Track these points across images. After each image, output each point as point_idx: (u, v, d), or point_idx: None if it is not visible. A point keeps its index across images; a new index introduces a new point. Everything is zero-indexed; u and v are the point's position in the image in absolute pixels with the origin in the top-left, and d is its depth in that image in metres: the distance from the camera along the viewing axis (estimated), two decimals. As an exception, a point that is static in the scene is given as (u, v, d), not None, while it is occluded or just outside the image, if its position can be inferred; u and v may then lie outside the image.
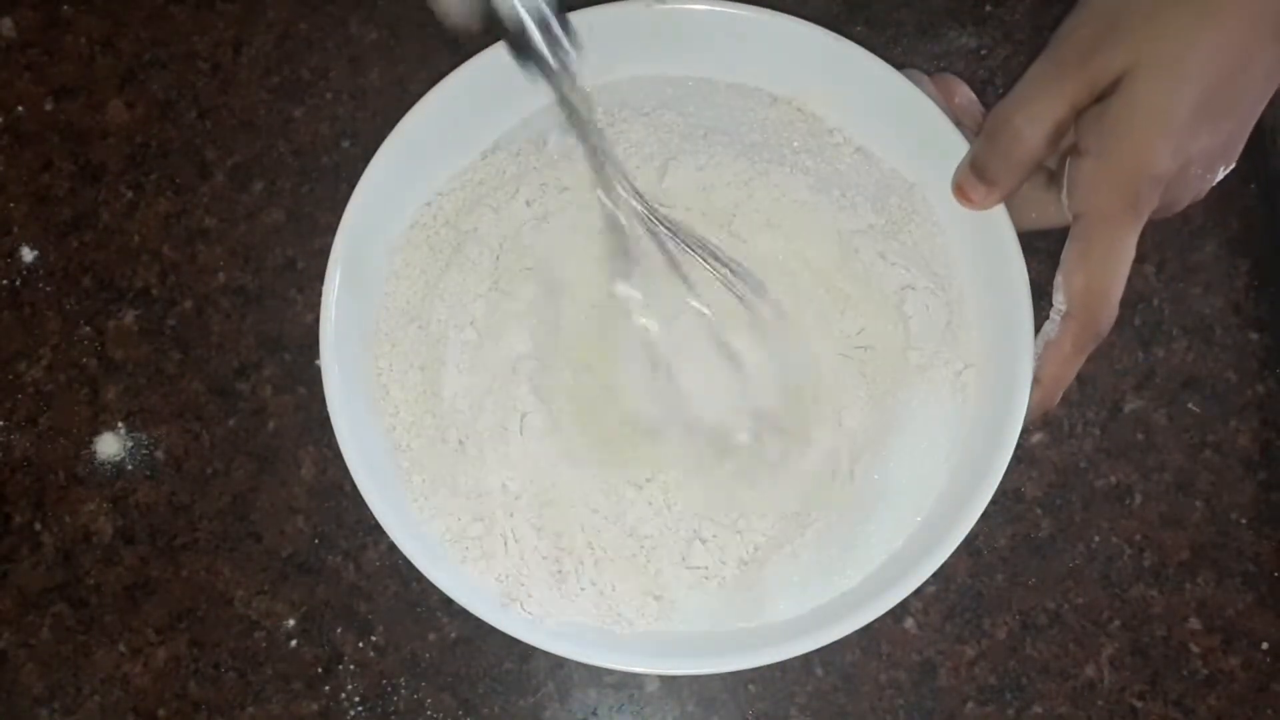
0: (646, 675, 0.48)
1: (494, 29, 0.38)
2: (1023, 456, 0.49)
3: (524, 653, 0.48)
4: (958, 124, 0.44)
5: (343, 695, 0.48)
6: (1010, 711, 0.47)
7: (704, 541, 0.43)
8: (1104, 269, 0.39)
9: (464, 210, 0.46)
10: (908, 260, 0.44)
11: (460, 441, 0.43)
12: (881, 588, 0.41)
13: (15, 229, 0.52)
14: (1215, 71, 0.37)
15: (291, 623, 0.48)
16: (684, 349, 0.43)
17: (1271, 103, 0.39)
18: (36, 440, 0.50)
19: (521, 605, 0.42)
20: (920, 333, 0.43)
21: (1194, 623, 0.48)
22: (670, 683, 0.48)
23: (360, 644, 0.48)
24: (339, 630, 0.48)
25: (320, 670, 0.48)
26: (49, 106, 0.54)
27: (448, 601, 0.41)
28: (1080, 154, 0.39)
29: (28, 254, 0.52)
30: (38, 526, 0.49)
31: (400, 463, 0.44)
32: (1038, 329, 0.42)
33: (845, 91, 0.46)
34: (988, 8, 0.54)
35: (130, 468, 0.50)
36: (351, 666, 0.48)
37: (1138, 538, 0.49)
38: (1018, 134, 0.39)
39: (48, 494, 0.50)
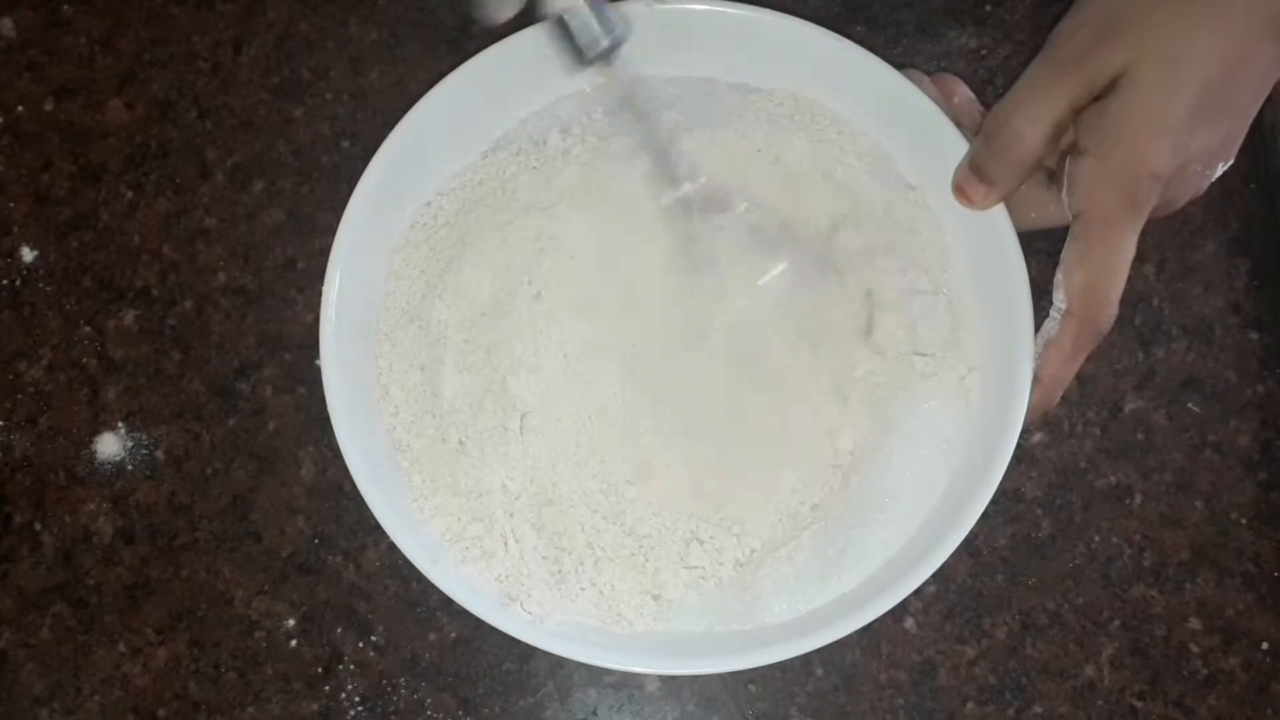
0: (646, 675, 0.47)
1: (537, 17, 0.38)
2: (1023, 456, 0.49)
3: (524, 653, 0.48)
4: (957, 124, 0.44)
5: (343, 695, 0.48)
6: (1010, 711, 0.47)
7: (702, 542, 0.43)
8: (1104, 268, 0.39)
9: (464, 210, 0.46)
10: (911, 263, 0.44)
11: (460, 441, 0.43)
12: (881, 588, 0.41)
13: (15, 229, 0.52)
14: (1213, 70, 0.37)
15: (291, 623, 0.48)
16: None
17: (1272, 101, 0.40)
18: (36, 440, 0.50)
19: (521, 605, 0.42)
20: (926, 338, 0.43)
21: (1194, 623, 0.48)
22: (670, 683, 0.48)
23: (360, 644, 0.48)
24: (339, 630, 0.48)
25: (320, 670, 0.48)
26: (49, 106, 0.54)
27: (448, 601, 0.41)
28: (1079, 153, 0.39)
29: (28, 254, 0.52)
30: (38, 526, 0.49)
31: (400, 463, 0.44)
32: (1037, 328, 0.42)
33: (845, 91, 0.46)
34: (988, 8, 0.54)
35: (130, 468, 0.50)
36: (351, 666, 0.48)
37: (1138, 538, 0.49)
38: (1016, 134, 0.39)
39: (48, 494, 0.50)
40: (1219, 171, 0.40)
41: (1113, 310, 0.40)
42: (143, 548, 0.49)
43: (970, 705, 0.47)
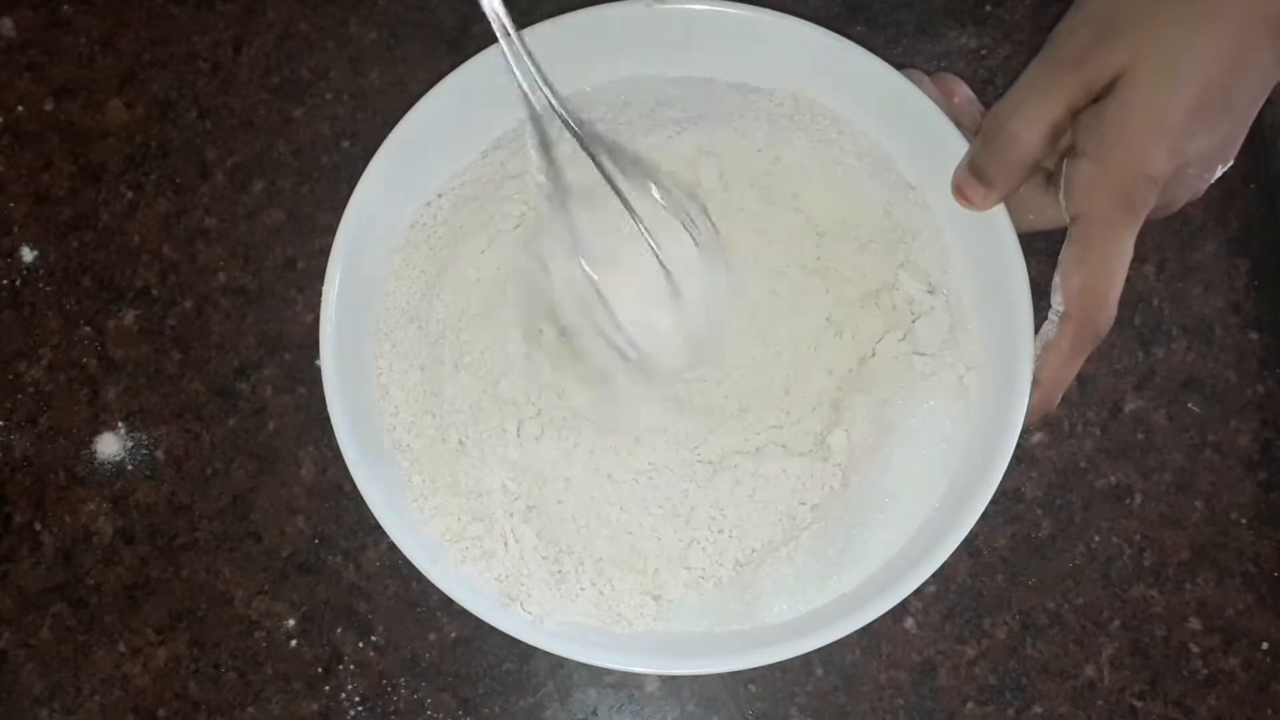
0: (646, 675, 0.48)
1: (469, 37, 0.38)
2: (1023, 456, 0.49)
3: (524, 653, 0.48)
4: (957, 124, 0.44)
5: (343, 695, 0.48)
6: (1010, 711, 0.47)
7: (702, 542, 0.43)
8: (1102, 270, 0.39)
9: (464, 210, 0.46)
10: (911, 264, 0.44)
11: (460, 441, 0.43)
12: (881, 588, 0.41)
13: (15, 229, 0.52)
14: (1211, 72, 0.37)
15: (291, 623, 0.48)
16: (619, 276, 0.42)
17: (1272, 102, 0.39)
18: (36, 440, 0.50)
19: (521, 605, 0.42)
20: (925, 338, 0.43)
21: (1194, 623, 0.48)
22: (670, 683, 0.48)
23: (360, 644, 0.48)
24: (339, 630, 0.48)
25: (320, 670, 0.48)
26: (49, 106, 0.54)
27: (448, 601, 0.41)
28: (1077, 155, 0.39)
29: (28, 254, 0.52)
30: (38, 526, 0.49)
31: (400, 463, 0.44)
32: (1037, 329, 0.42)
33: (845, 91, 0.46)
34: (988, 8, 0.54)
35: (130, 468, 0.50)
36: (351, 666, 0.48)
37: (1138, 538, 0.49)
38: (1015, 136, 0.39)
39: (48, 494, 0.50)
40: (1217, 173, 0.40)
41: (1111, 312, 0.40)
42: (143, 548, 0.49)
43: (970, 705, 0.47)
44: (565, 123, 0.40)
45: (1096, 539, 0.49)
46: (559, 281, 0.42)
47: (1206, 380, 0.50)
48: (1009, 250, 0.42)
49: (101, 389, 0.51)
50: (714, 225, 0.43)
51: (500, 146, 0.47)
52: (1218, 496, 0.49)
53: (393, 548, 0.42)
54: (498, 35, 0.39)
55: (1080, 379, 0.50)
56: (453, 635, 0.48)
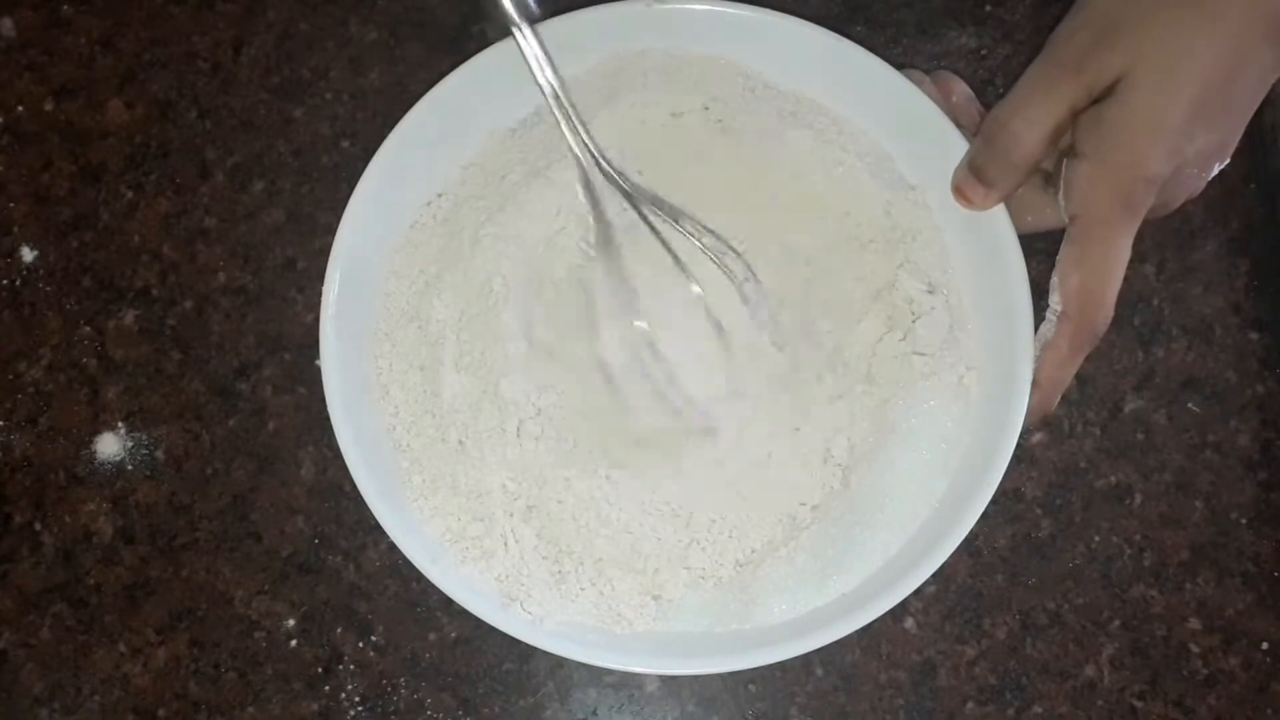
0: (646, 675, 0.48)
1: (470, 37, 0.39)
2: (1023, 456, 0.49)
3: (524, 653, 0.48)
4: (957, 124, 0.44)
5: (343, 695, 0.48)
6: (1010, 711, 0.47)
7: (702, 542, 0.43)
8: (1100, 270, 0.39)
9: (464, 210, 0.46)
10: (911, 264, 0.44)
11: (460, 441, 0.43)
12: (881, 588, 0.41)
13: (15, 229, 0.52)
14: (1211, 75, 0.37)
15: (291, 623, 0.48)
16: (673, 332, 0.44)
17: (1271, 102, 0.40)
18: (36, 440, 0.50)
19: (521, 605, 0.42)
20: (925, 338, 0.43)
21: (1194, 623, 0.48)
22: (670, 683, 0.48)
23: (360, 644, 0.48)
24: (339, 630, 0.48)
25: (320, 670, 0.48)
26: (49, 106, 0.54)
27: (448, 601, 0.41)
28: (1077, 156, 0.39)
29: (28, 254, 0.52)
30: (38, 526, 0.49)
31: (400, 463, 0.44)
32: (1036, 329, 0.42)
33: (845, 91, 0.46)
34: (988, 8, 0.54)
35: (130, 468, 0.50)
36: (351, 666, 0.48)
37: (1138, 538, 0.49)
38: (1015, 136, 0.39)
39: (48, 494, 0.50)
40: (1214, 171, 0.41)
41: (1108, 312, 0.40)
42: (143, 548, 0.49)
43: (970, 705, 0.47)
44: (612, 180, 0.42)
45: (1096, 539, 0.49)
46: (608, 336, 0.44)
47: (1206, 380, 0.50)
48: (1009, 250, 0.42)
49: (101, 389, 0.51)
50: (755, 275, 0.44)
51: (500, 146, 0.47)
52: (1218, 496, 0.49)
53: (393, 548, 0.42)
54: (551, 105, 0.42)
55: (1080, 379, 0.50)
56: (453, 635, 0.48)
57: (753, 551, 0.43)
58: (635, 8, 0.45)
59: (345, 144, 0.53)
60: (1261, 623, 0.48)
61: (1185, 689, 0.48)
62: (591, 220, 0.43)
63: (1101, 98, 0.38)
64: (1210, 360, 0.50)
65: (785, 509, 0.43)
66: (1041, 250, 0.45)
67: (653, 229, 0.43)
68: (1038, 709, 0.47)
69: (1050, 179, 0.42)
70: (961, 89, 0.46)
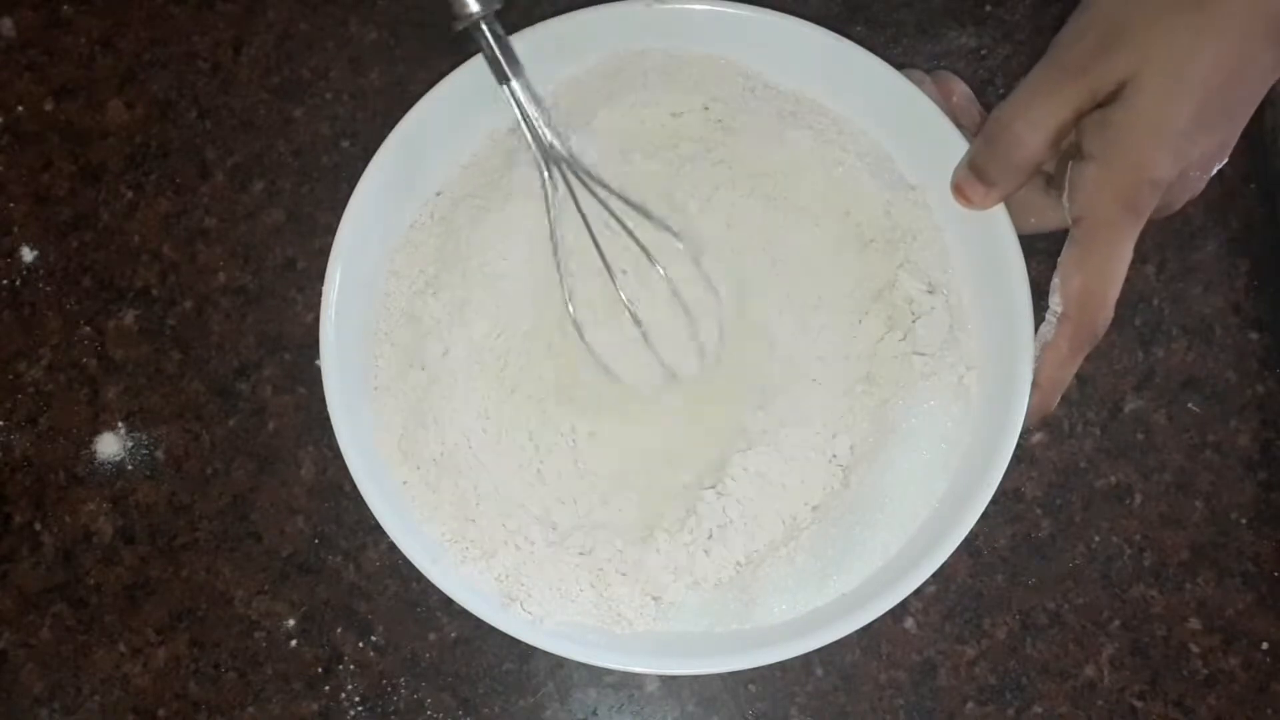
0: (646, 675, 0.47)
1: (471, 40, 0.40)
2: (1023, 456, 0.49)
3: (524, 653, 0.48)
4: (957, 124, 0.44)
5: (343, 695, 0.48)
6: (1010, 711, 0.47)
7: (702, 542, 0.43)
8: (1102, 272, 0.39)
9: (463, 209, 0.46)
10: (911, 263, 0.44)
11: (460, 441, 0.43)
12: (881, 588, 0.41)
13: (15, 229, 0.52)
14: (1215, 79, 0.37)
15: (291, 623, 0.48)
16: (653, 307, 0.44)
17: (1272, 102, 0.40)
18: (36, 440, 0.50)
19: (521, 605, 0.42)
20: (925, 338, 0.43)
21: (1194, 623, 0.48)
22: (670, 683, 0.48)
23: (360, 644, 0.48)
24: (339, 630, 0.48)
25: (320, 670, 0.48)
26: (49, 106, 0.54)
27: (448, 601, 0.41)
28: (1082, 159, 0.39)
29: (28, 254, 0.52)
30: (38, 526, 0.49)
31: (400, 462, 0.44)
32: (1036, 329, 0.42)
33: (845, 91, 0.46)
34: (988, 8, 0.54)
35: (130, 468, 0.50)
36: (351, 666, 0.48)
37: (1138, 538, 0.49)
38: (1018, 137, 0.39)
39: (48, 494, 0.50)
40: (1214, 171, 0.41)
41: (1109, 314, 0.40)
42: (143, 548, 0.49)
43: (970, 705, 0.47)
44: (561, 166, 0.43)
45: (1096, 539, 0.49)
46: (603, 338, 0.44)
47: (1206, 380, 0.50)
48: (1009, 250, 0.42)
49: (101, 389, 0.51)
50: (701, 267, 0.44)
51: (500, 145, 0.47)
52: (1218, 496, 0.49)
53: (393, 548, 0.42)
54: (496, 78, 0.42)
55: (1080, 379, 0.50)
56: (453, 635, 0.48)
57: (753, 551, 0.43)
58: (635, 8, 0.45)
59: (345, 144, 0.53)
60: (1261, 623, 0.48)
61: (1185, 689, 0.48)
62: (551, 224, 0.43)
63: (1106, 101, 0.38)
64: (1210, 360, 0.50)
65: (785, 509, 0.43)
66: (1041, 250, 0.45)
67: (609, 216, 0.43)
68: (1038, 709, 0.47)
69: (1052, 180, 0.42)
70: (962, 89, 0.46)
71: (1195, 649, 0.48)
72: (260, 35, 0.54)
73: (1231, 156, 0.40)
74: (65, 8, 0.54)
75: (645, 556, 0.42)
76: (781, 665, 0.47)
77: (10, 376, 0.51)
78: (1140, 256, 0.39)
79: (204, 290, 0.51)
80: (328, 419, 0.42)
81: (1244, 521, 0.49)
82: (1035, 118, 0.39)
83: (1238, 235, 0.51)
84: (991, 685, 0.48)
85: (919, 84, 0.44)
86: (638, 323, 0.43)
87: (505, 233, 0.45)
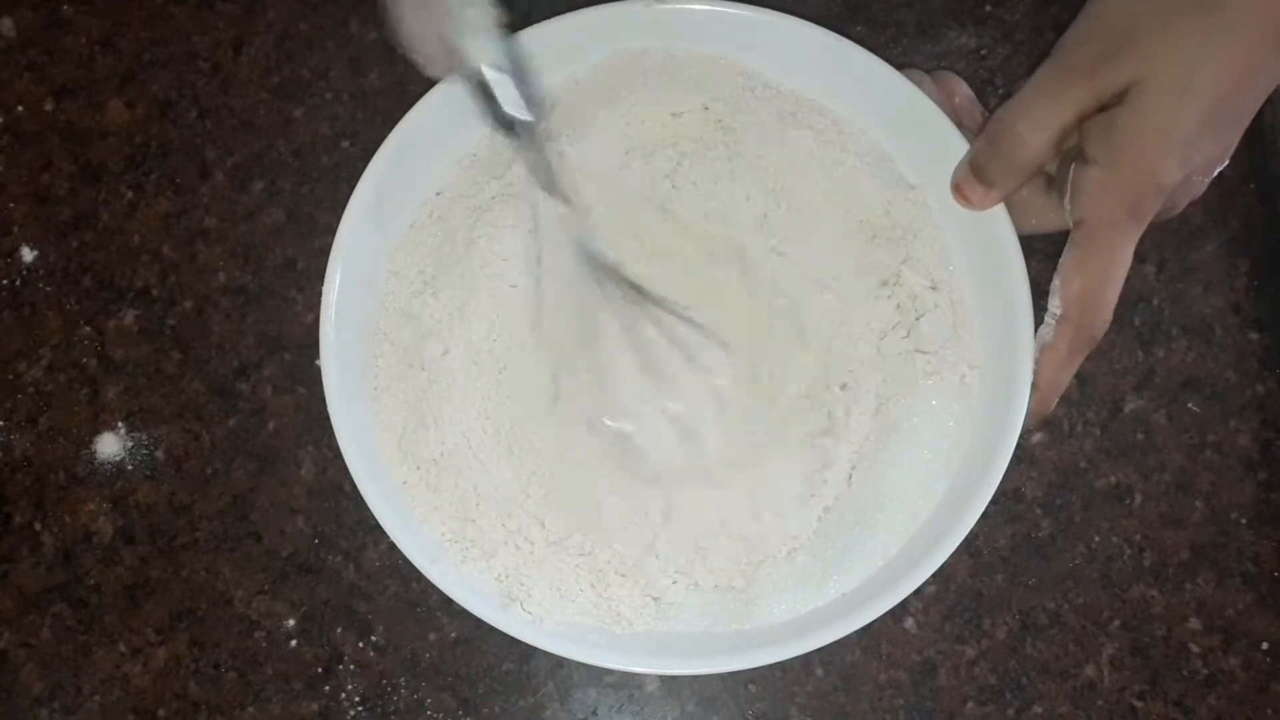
0: (646, 675, 0.48)
1: (458, 72, 0.38)
2: (1023, 456, 0.49)
3: (524, 653, 0.48)
4: (957, 124, 0.44)
5: (343, 695, 0.48)
6: (1010, 711, 0.47)
7: (703, 542, 0.43)
8: (1102, 275, 0.39)
9: (463, 209, 0.46)
10: (913, 264, 0.44)
11: (460, 441, 0.43)
12: (881, 588, 0.41)
13: (15, 229, 0.52)
14: (1222, 86, 0.37)
15: (291, 623, 0.48)
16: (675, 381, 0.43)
17: (1272, 102, 0.39)
18: (36, 440, 0.50)
19: (521, 605, 0.42)
20: (929, 335, 0.43)
21: (1194, 623, 0.48)
22: (670, 683, 0.48)
23: (360, 644, 0.48)
24: (339, 630, 0.48)
25: (320, 670, 0.48)
26: (49, 106, 0.54)
27: (448, 601, 0.41)
28: (1086, 162, 0.39)
29: (28, 254, 0.52)
30: (38, 526, 0.49)
31: (400, 462, 0.44)
32: (1036, 330, 0.42)
33: (845, 91, 0.46)
34: (988, 8, 0.54)
35: (130, 468, 0.50)
36: (351, 666, 0.48)
37: (1138, 538, 0.49)
38: (1021, 138, 0.39)
39: (48, 494, 0.50)
40: (1215, 173, 0.41)
41: (1108, 316, 0.40)
42: (143, 548, 0.49)
43: (970, 705, 0.47)
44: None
45: (1096, 539, 0.49)
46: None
47: (1206, 380, 0.50)
48: (1009, 251, 0.42)
49: (101, 389, 0.51)
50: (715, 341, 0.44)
51: (500, 145, 0.47)
52: (1218, 496, 0.49)
53: (393, 548, 0.42)
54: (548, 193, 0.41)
55: (1080, 379, 0.50)
56: (453, 635, 0.48)
57: (754, 551, 0.43)
58: (635, 8, 0.45)
59: (345, 144, 0.53)
60: (1261, 623, 0.48)
61: (1185, 689, 0.48)
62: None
63: (1110, 104, 0.38)
64: (1210, 360, 0.50)
65: (786, 511, 0.43)
66: (1041, 250, 0.45)
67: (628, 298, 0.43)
68: (1038, 709, 0.47)
69: (1053, 182, 0.42)
70: (963, 90, 0.46)
71: (1195, 649, 0.48)
72: (260, 35, 0.54)
73: (1231, 157, 0.40)
74: (65, 8, 0.54)
75: (645, 557, 0.42)
76: (781, 665, 0.47)
77: (10, 376, 0.51)
78: (1140, 256, 0.39)
79: (204, 290, 0.51)
80: (328, 419, 0.42)
81: (1244, 521, 0.49)
82: (1038, 118, 0.39)
83: (1238, 235, 0.51)
84: (991, 685, 0.48)
85: (919, 84, 0.44)
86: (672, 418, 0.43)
87: (505, 233, 0.45)
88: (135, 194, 0.52)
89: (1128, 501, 0.49)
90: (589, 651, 0.41)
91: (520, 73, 0.38)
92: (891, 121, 0.45)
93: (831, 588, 0.42)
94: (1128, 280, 0.39)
